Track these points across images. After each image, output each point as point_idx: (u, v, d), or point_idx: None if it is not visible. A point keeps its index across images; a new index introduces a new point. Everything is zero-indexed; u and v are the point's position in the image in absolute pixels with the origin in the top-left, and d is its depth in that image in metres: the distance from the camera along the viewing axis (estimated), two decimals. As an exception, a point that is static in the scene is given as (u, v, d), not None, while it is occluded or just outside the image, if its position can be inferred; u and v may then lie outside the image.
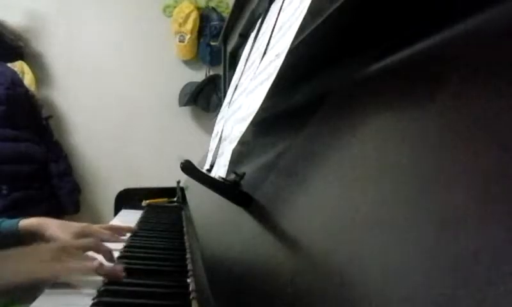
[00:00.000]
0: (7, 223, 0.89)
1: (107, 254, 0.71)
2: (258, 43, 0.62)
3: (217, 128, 0.78)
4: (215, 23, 2.43)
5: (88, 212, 2.39)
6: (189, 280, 0.62)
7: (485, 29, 0.22)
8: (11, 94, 1.95)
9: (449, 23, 0.25)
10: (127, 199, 1.36)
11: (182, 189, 1.35)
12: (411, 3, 0.33)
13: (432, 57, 0.26)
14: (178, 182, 1.39)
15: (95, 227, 0.92)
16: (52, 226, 0.88)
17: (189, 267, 0.68)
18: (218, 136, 0.71)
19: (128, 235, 0.93)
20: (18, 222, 0.88)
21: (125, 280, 0.62)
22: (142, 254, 0.77)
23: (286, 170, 0.40)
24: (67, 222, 0.93)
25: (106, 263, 0.67)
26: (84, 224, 0.92)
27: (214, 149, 0.72)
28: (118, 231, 0.94)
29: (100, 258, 0.68)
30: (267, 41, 0.52)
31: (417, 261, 0.17)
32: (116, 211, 1.33)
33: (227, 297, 0.37)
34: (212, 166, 0.68)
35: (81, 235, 0.87)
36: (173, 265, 0.70)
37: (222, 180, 0.51)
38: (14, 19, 2.25)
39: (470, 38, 0.22)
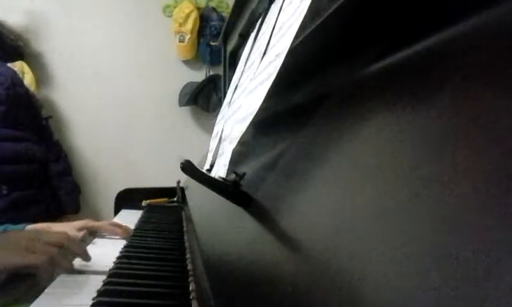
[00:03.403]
0: (12, 228, 0.91)
1: (82, 252, 0.74)
2: (258, 43, 0.62)
3: (217, 128, 0.78)
4: (215, 23, 2.43)
5: (88, 212, 2.38)
6: (189, 280, 0.62)
7: (485, 29, 0.22)
8: (11, 94, 1.94)
9: (449, 23, 0.25)
10: (127, 199, 1.36)
11: (182, 189, 1.35)
12: (411, 3, 0.33)
13: (432, 57, 0.26)
14: (178, 182, 1.39)
15: (99, 222, 0.97)
16: (55, 226, 0.92)
17: (189, 267, 0.68)
18: (218, 136, 0.71)
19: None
20: (24, 227, 0.91)
21: (125, 280, 0.62)
22: (142, 254, 0.77)
23: (286, 170, 0.40)
24: (70, 222, 0.96)
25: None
26: (86, 220, 0.97)
27: (214, 149, 0.72)
28: (119, 229, 0.96)
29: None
30: (267, 41, 0.52)
31: (417, 261, 0.17)
32: (116, 211, 1.33)
33: (227, 297, 0.37)
34: (212, 166, 0.68)
35: (84, 229, 0.92)
36: (173, 265, 0.70)
37: (222, 180, 0.51)
38: (14, 19, 2.25)
39: (470, 38, 0.22)
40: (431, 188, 0.18)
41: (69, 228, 0.91)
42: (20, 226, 0.91)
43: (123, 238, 0.93)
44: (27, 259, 0.67)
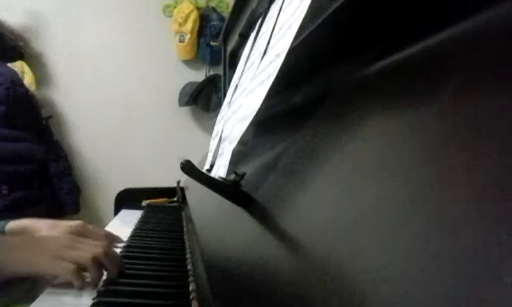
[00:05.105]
0: None
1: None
2: (258, 43, 0.62)
3: (217, 128, 0.78)
4: (215, 23, 2.43)
5: (88, 212, 2.38)
6: (189, 280, 0.62)
7: (485, 29, 0.22)
8: (11, 94, 1.94)
9: (449, 23, 0.25)
10: (127, 199, 1.36)
11: (182, 189, 1.35)
12: (411, 3, 0.33)
13: (432, 57, 0.26)
14: (178, 182, 1.39)
15: (90, 227, 0.85)
16: (43, 227, 0.82)
17: (189, 267, 0.68)
18: (218, 136, 0.71)
19: (121, 244, 0.88)
20: (6, 224, 0.82)
21: (125, 280, 0.62)
22: (142, 254, 0.77)
23: (286, 170, 0.40)
24: (58, 221, 0.86)
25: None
26: (77, 222, 0.85)
27: (214, 149, 0.72)
28: (112, 239, 0.88)
29: None
30: (267, 41, 0.52)
31: (417, 261, 0.17)
32: (116, 211, 1.33)
33: (227, 297, 0.37)
34: (212, 166, 0.68)
35: (75, 233, 0.80)
36: (173, 265, 0.70)
37: (222, 180, 0.51)
38: (14, 19, 2.25)
39: (470, 38, 0.22)
40: (430, 188, 0.18)
41: (61, 229, 0.81)
42: (2, 222, 0.82)
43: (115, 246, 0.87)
44: (53, 269, 0.61)
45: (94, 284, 0.61)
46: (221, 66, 1.39)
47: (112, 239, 0.88)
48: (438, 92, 0.22)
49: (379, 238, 0.20)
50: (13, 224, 0.83)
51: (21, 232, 0.82)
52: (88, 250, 0.63)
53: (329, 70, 0.46)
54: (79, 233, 0.82)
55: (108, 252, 0.64)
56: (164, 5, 2.47)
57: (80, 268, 0.61)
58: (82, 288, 0.60)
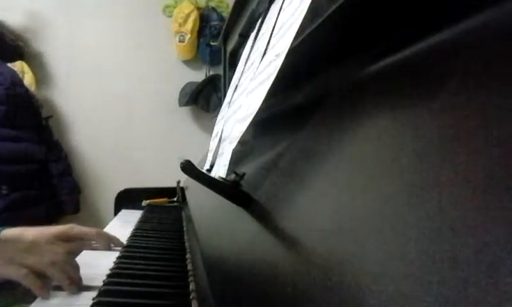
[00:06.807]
0: None
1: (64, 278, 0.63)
2: (258, 43, 0.62)
3: (217, 128, 0.78)
4: (215, 23, 2.43)
5: (88, 212, 2.38)
6: (189, 280, 0.62)
7: (485, 29, 0.22)
8: (11, 94, 1.94)
9: (449, 23, 0.25)
10: (127, 199, 1.36)
11: (182, 189, 1.35)
12: (411, 3, 0.33)
13: (432, 57, 0.26)
14: (178, 182, 1.39)
15: (79, 229, 0.86)
16: (31, 233, 0.83)
17: (189, 267, 0.68)
18: (218, 136, 0.71)
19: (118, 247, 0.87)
20: (1, 230, 0.83)
21: (125, 280, 0.62)
22: (142, 254, 0.77)
23: (286, 170, 0.40)
24: (46, 227, 0.86)
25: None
26: (66, 226, 0.86)
27: (214, 149, 0.72)
28: (106, 240, 0.87)
29: None
30: (267, 41, 0.52)
31: (417, 261, 0.17)
32: (116, 211, 1.33)
33: (227, 297, 0.37)
34: (212, 166, 0.68)
35: (63, 237, 0.83)
36: (173, 265, 0.70)
37: (222, 180, 0.51)
38: (14, 19, 2.25)
39: (470, 38, 0.22)
40: (430, 188, 0.18)
41: (49, 232, 0.82)
42: None
43: (110, 249, 0.86)
44: (6, 272, 0.62)
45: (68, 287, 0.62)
46: (221, 66, 1.39)
47: (107, 239, 0.87)
48: (438, 92, 0.22)
49: (379, 238, 0.20)
50: (7, 232, 0.84)
51: (16, 239, 0.82)
52: (46, 256, 0.64)
53: (329, 70, 0.46)
54: (68, 237, 0.83)
55: (64, 264, 0.64)
56: (164, 5, 2.47)
57: (39, 274, 0.62)
58: (40, 293, 0.61)
